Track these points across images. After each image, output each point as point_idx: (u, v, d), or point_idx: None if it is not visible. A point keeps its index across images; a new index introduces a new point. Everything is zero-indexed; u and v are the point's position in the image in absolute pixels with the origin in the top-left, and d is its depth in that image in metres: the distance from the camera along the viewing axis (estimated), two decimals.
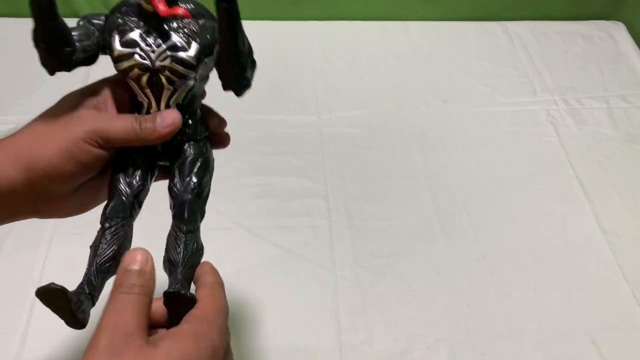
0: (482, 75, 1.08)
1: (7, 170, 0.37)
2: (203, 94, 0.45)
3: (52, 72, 0.43)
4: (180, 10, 0.38)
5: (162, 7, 0.37)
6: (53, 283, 0.36)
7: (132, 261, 0.35)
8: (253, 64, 0.39)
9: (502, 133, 0.98)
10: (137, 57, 0.39)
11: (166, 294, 0.37)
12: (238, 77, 0.38)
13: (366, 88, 1.03)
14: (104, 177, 0.42)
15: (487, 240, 0.81)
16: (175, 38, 0.39)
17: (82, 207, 0.42)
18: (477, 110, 1.02)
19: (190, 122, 0.42)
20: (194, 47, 0.39)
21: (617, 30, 1.20)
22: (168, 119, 0.39)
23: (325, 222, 0.81)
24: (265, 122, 0.93)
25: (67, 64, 0.42)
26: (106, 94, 0.43)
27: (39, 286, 0.36)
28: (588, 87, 1.08)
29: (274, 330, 0.69)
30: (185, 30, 0.39)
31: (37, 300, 0.38)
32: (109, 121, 0.39)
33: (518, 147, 0.96)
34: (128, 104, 0.42)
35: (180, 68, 0.39)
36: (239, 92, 0.40)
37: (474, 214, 0.84)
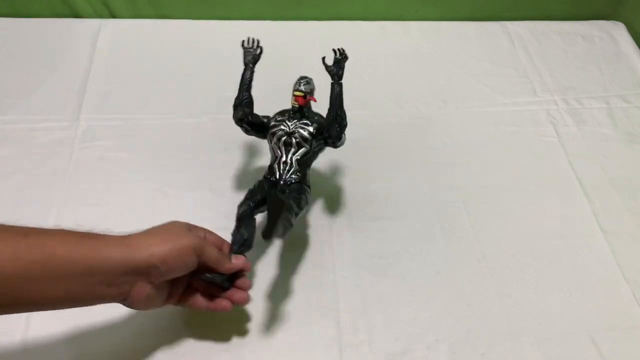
0: (482, 75, 1.08)
1: (128, 257, 0.51)
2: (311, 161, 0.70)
3: (237, 119, 0.70)
4: (310, 99, 0.69)
5: (300, 102, 0.68)
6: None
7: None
8: (345, 127, 0.67)
9: (502, 133, 0.98)
10: (283, 127, 0.68)
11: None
12: (339, 134, 0.66)
13: (366, 88, 1.03)
14: (172, 288, 0.60)
15: (487, 240, 0.81)
16: (304, 121, 0.68)
17: (153, 302, 0.56)
18: (477, 110, 1.02)
19: (303, 173, 0.67)
20: (312, 127, 0.67)
21: (617, 30, 1.20)
22: (239, 261, 0.61)
23: (325, 222, 0.81)
24: None
25: (245, 121, 0.70)
26: (201, 233, 0.61)
27: None
28: (588, 87, 1.08)
29: (274, 330, 0.69)
30: (309, 120, 0.68)
31: None
32: (208, 245, 0.58)
33: (518, 147, 0.96)
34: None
35: (305, 134, 0.67)
36: (338, 144, 0.68)
37: (474, 214, 0.84)
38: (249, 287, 0.63)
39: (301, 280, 0.74)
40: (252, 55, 0.69)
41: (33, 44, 1.04)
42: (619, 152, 0.96)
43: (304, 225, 0.80)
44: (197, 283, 0.61)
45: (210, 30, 1.11)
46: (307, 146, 0.67)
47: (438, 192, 0.87)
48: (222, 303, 0.61)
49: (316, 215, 0.82)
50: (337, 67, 0.66)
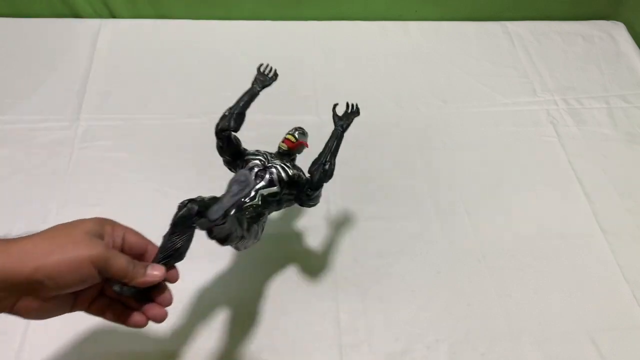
0: (482, 75, 1.08)
1: (6, 270, 0.41)
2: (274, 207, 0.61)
3: (217, 130, 0.61)
4: (300, 144, 0.63)
5: (289, 146, 0.62)
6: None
7: None
8: (330, 176, 0.61)
9: (502, 133, 0.98)
10: (261, 158, 0.60)
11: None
12: (320, 181, 0.60)
13: (366, 88, 1.03)
14: (77, 296, 0.49)
15: (487, 240, 0.81)
16: (287, 163, 0.61)
17: (50, 313, 0.47)
18: (477, 110, 1.02)
19: (258, 213, 0.57)
20: (292, 172, 0.60)
21: (617, 30, 1.20)
22: (153, 276, 0.48)
23: (325, 222, 0.81)
24: (265, 122, 0.92)
25: (226, 134, 0.60)
26: (117, 235, 0.50)
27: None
28: (588, 87, 1.08)
29: (274, 330, 0.69)
30: (291, 164, 0.61)
31: None
32: (114, 256, 0.46)
33: (518, 147, 0.96)
34: (130, 249, 0.50)
35: (282, 174, 0.59)
36: (310, 201, 0.62)
37: (474, 214, 0.84)
38: (169, 302, 0.51)
39: (301, 280, 0.74)
40: (263, 80, 0.64)
41: (33, 44, 1.04)
42: (619, 152, 0.96)
43: (305, 226, 0.80)
44: (111, 290, 0.50)
45: (210, 30, 1.11)
46: (278, 188, 0.58)
47: (438, 192, 0.87)
48: (135, 318, 0.50)
49: (316, 215, 0.82)
50: (345, 119, 0.63)
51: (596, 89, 1.08)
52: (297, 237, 0.79)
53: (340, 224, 0.81)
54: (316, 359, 0.67)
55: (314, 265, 0.76)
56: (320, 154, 0.60)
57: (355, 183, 0.87)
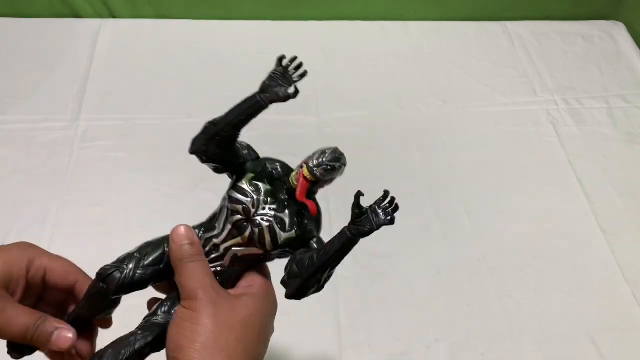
0: (482, 75, 1.08)
1: None
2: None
3: (191, 152, 0.42)
4: (311, 205, 0.42)
5: (299, 193, 0.40)
6: None
7: (181, 238, 0.39)
8: (319, 289, 0.42)
9: (502, 133, 0.98)
10: (249, 201, 0.40)
11: None
12: (305, 289, 0.41)
13: (366, 88, 1.03)
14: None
15: (487, 240, 0.81)
16: (286, 216, 0.41)
17: None
18: (477, 110, 1.01)
19: (232, 272, 0.42)
20: (291, 233, 0.41)
21: (617, 30, 1.20)
22: (62, 341, 0.38)
23: (325, 222, 0.81)
24: (265, 122, 0.92)
25: (205, 154, 0.41)
26: (37, 268, 0.40)
27: None
28: (588, 87, 1.08)
29: (274, 330, 0.69)
30: (297, 218, 0.41)
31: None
32: (9, 319, 0.37)
33: (518, 147, 0.96)
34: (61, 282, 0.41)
35: (267, 238, 0.40)
36: (299, 296, 0.42)
37: (474, 214, 0.84)
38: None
39: None
40: (280, 89, 0.41)
41: (33, 44, 1.04)
42: (619, 152, 0.96)
43: None
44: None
45: (210, 30, 1.11)
46: (261, 252, 0.40)
47: (438, 192, 0.87)
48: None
49: None
50: (369, 222, 0.42)
51: (596, 89, 1.08)
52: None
53: (340, 224, 0.81)
54: (316, 358, 0.67)
55: None
56: (312, 258, 0.40)
57: (355, 183, 0.86)
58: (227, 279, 0.41)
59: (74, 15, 1.11)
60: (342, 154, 0.41)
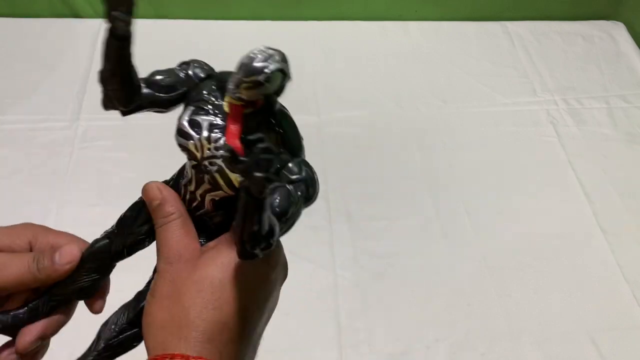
0: (482, 75, 1.08)
1: None
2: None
3: (106, 108, 0.36)
4: (238, 144, 0.31)
5: (228, 134, 0.31)
6: None
7: (151, 197, 0.36)
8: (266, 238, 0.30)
9: (502, 133, 0.98)
10: (191, 143, 0.33)
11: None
12: (244, 244, 0.30)
13: (366, 88, 1.03)
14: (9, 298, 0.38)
15: (487, 240, 0.81)
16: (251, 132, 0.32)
17: None
18: (477, 110, 1.01)
19: (220, 217, 0.36)
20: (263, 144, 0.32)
21: (617, 30, 1.20)
22: (67, 256, 0.36)
23: (325, 222, 0.81)
24: None
25: (126, 109, 0.36)
26: (22, 251, 0.37)
27: None
28: (588, 87, 1.08)
29: (274, 330, 0.69)
30: (247, 150, 0.31)
31: None
32: (1, 267, 0.34)
33: (518, 147, 0.96)
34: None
35: (221, 182, 0.33)
36: (241, 255, 0.31)
37: (474, 214, 0.84)
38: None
39: (301, 280, 0.74)
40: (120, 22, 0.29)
41: (33, 44, 1.04)
42: (619, 152, 0.96)
43: (304, 226, 0.80)
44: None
45: (210, 30, 1.11)
46: (232, 193, 0.33)
47: (438, 192, 0.87)
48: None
49: (316, 215, 0.81)
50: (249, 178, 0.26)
51: (596, 89, 1.07)
52: (297, 236, 0.79)
53: (340, 224, 0.81)
54: (316, 359, 0.67)
55: (314, 265, 0.76)
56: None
57: (355, 183, 0.87)
58: (221, 226, 0.35)
59: (74, 15, 1.11)
60: (268, 56, 0.31)
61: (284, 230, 0.34)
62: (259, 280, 0.36)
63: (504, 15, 1.20)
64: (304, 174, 0.33)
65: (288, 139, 0.34)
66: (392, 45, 1.13)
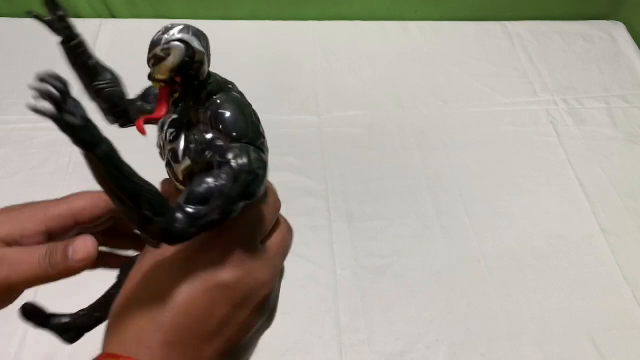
0: (482, 75, 1.08)
1: None
2: None
3: (109, 123, 0.35)
4: (141, 124, 0.30)
5: (139, 120, 0.30)
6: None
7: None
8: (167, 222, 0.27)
9: (502, 133, 0.98)
10: (158, 140, 0.33)
11: None
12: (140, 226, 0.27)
13: (366, 88, 1.03)
14: None
15: (487, 240, 0.81)
16: (179, 144, 0.31)
17: None
18: (477, 110, 1.01)
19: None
20: (186, 162, 0.31)
21: (617, 30, 1.20)
22: (81, 251, 0.32)
23: (325, 222, 0.81)
24: (265, 122, 0.92)
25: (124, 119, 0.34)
26: (35, 230, 0.34)
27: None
28: (588, 87, 1.08)
29: (274, 330, 0.69)
30: (195, 136, 0.30)
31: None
32: (12, 266, 0.31)
33: (518, 147, 0.96)
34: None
35: (171, 176, 0.33)
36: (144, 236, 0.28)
37: (474, 214, 0.84)
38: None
39: (301, 280, 0.74)
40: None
41: (33, 44, 1.04)
42: (619, 152, 0.96)
43: (304, 225, 0.80)
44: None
45: (210, 30, 1.11)
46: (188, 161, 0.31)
47: (438, 192, 0.87)
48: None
49: (316, 215, 0.81)
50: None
51: (596, 89, 1.07)
52: (296, 236, 0.79)
53: (340, 223, 0.81)
54: (316, 359, 0.67)
55: (314, 265, 0.76)
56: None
57: (355, 183, 0.87)
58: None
59: (74, 15, 1.11)
60: (167, 29, 0.29)
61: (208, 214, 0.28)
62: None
63: (504, 15, 1.20)
64: (238, 160, 0.29)
65: (224, 124, 0.30)
66: (392, 45, 1.13)
